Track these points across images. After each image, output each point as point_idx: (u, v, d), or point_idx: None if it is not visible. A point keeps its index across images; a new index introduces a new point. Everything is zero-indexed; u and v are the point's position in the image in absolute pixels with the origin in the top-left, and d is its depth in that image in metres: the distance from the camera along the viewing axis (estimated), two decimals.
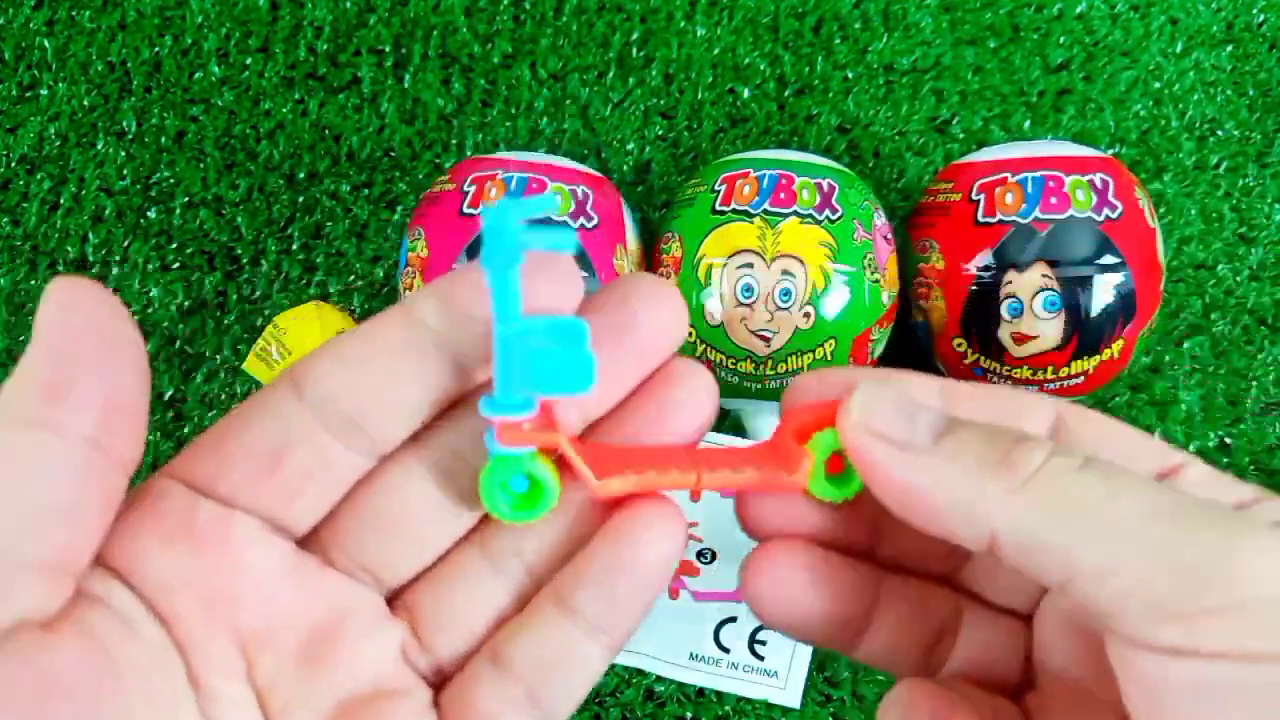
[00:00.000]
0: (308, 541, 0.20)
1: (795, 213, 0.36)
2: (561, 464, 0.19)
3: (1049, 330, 0.35)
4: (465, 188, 0.37)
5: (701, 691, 0.40)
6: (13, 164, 0.46)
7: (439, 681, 0.21)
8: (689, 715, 0.40)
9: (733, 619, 0.37)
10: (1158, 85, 0.46)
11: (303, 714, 0.19)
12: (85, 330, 0.17)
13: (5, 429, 0.16)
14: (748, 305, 0.35)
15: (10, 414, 0.16)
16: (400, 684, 0.20)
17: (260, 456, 0.19)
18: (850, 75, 0.47)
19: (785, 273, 0.35)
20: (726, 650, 0.37)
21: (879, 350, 0.38)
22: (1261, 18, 0.47)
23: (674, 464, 0.19)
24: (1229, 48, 0.47)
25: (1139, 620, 0.15)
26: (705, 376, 0.20)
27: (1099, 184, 0.36)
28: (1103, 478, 0.17)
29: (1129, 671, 0.16)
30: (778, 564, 0.20)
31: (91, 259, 0.45)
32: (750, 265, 0.35)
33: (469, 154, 0.46)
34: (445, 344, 0.19)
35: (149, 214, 0.45)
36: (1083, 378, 0.37)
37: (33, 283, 0.45)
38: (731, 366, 0.37)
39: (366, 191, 0.46)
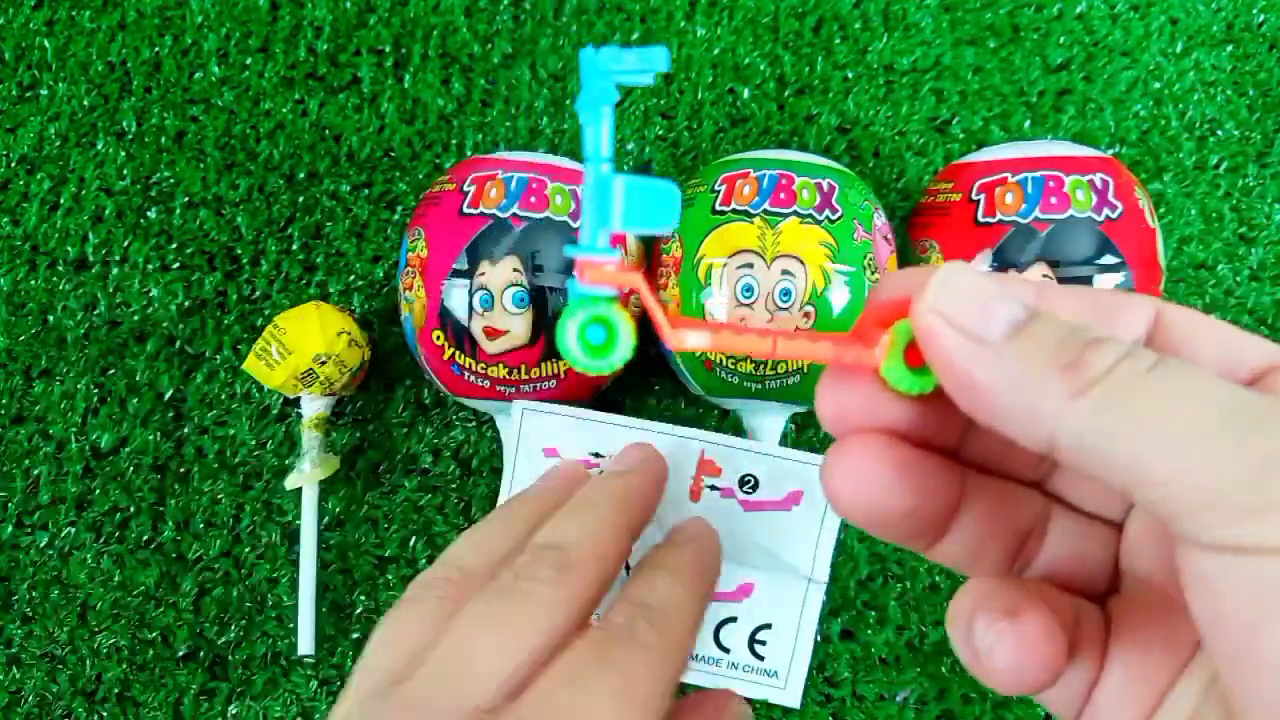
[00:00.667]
0: None
1: (795, 213, 0.36)
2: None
3: None
4: (465, 188, 0.37)
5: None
6: (13, 164, 0.46)
7: None
8: None
9: (733, 619, 0.37)
10: (1158, 85, 0.46)
11: None
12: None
13: None
14: (748, 305, 0.35)
15: None
16: None
17: None
18: (850, 75, 0.47)
19: (785, 273, 0.35)
20: (726, 650, 0.37)
21: None
22: (1261, 18, 0.47)
23: (750, 331, 0.19)
24: (1229, 48, 0.47)
25: (1199, 521, 0.15)
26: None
27: (1099, 184, 0.36)
28: (1171, 379, 0.16)
29: (1191, 573, 0.15)
30: (856, 459, 0.19)
31: (91, 259, 0.45)
32: (750, 265, 0.35)
33: (469, 154, 0.46)
34: None
35: (149, 214, 0.45)
36: None
37: (33, 283, 0.45)
38: (731, 366, 0.37)
39: (366, 191, 0.46)
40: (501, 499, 0.36)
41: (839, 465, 0.19)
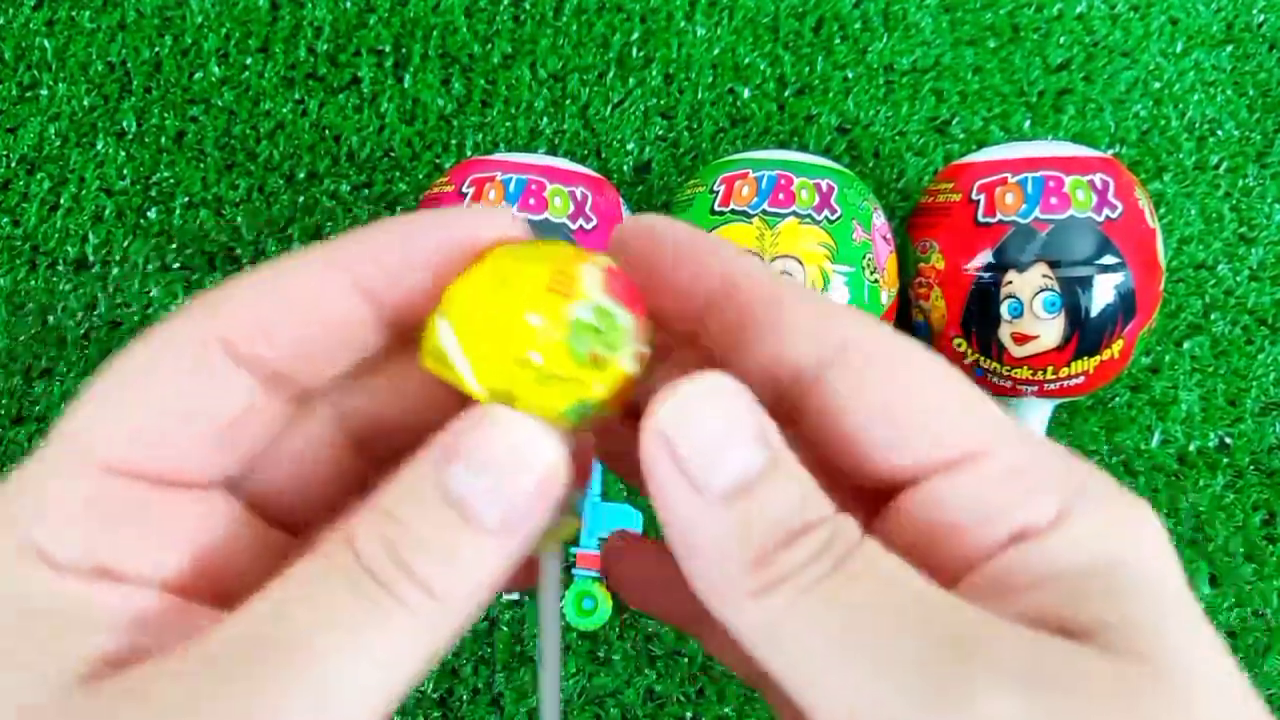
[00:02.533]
0: None
1: (794, 213, 0.36)
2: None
3: (1049, 330, 0.35)
4: (464, 189, 0.37)
5: (702, 691, 0.40)
6: (13, 164, 0.46)
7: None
8: (689, 715, 0.40)
9: None
10: (1158, 85, 0.46)
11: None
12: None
13: None
14: None
15: None
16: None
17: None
18: (850, 75, 0.46)
19: (784, 273, 0.34)
20: None
21: None
22: (1261, 18, 0.47)
23: None
24: (1229, 48, 0.47)
25: None
26: None
27: (1099, 184, 0.36)
28: (844, 589, 0.15)
29: None
30: (630, 558, 0.21)
31: (91, 259, 0.45)
32: None
33: (469, 154, 0.46)
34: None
35: (149, 214, 0.45)
36: (1083, 378, 0.37)
37: (33, 283, 0.45)
38: None
39: (366, 192, 0.45)
40: None
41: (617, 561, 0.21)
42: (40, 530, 0.15)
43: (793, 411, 0.17)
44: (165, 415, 0.16)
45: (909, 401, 0.16)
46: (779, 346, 0.17)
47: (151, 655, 0.14)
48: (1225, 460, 0.42)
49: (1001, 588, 0.15)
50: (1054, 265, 0.35)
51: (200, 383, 0.16)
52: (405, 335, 0.18)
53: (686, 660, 0.40)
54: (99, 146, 0.46)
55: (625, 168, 0.46)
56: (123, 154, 0.46)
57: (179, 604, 0.16)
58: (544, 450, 0.16)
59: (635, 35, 0.47)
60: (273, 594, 0.15)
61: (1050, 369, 0.36)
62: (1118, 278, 0.35)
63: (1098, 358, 0.36)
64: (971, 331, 0.37)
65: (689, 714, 0.40)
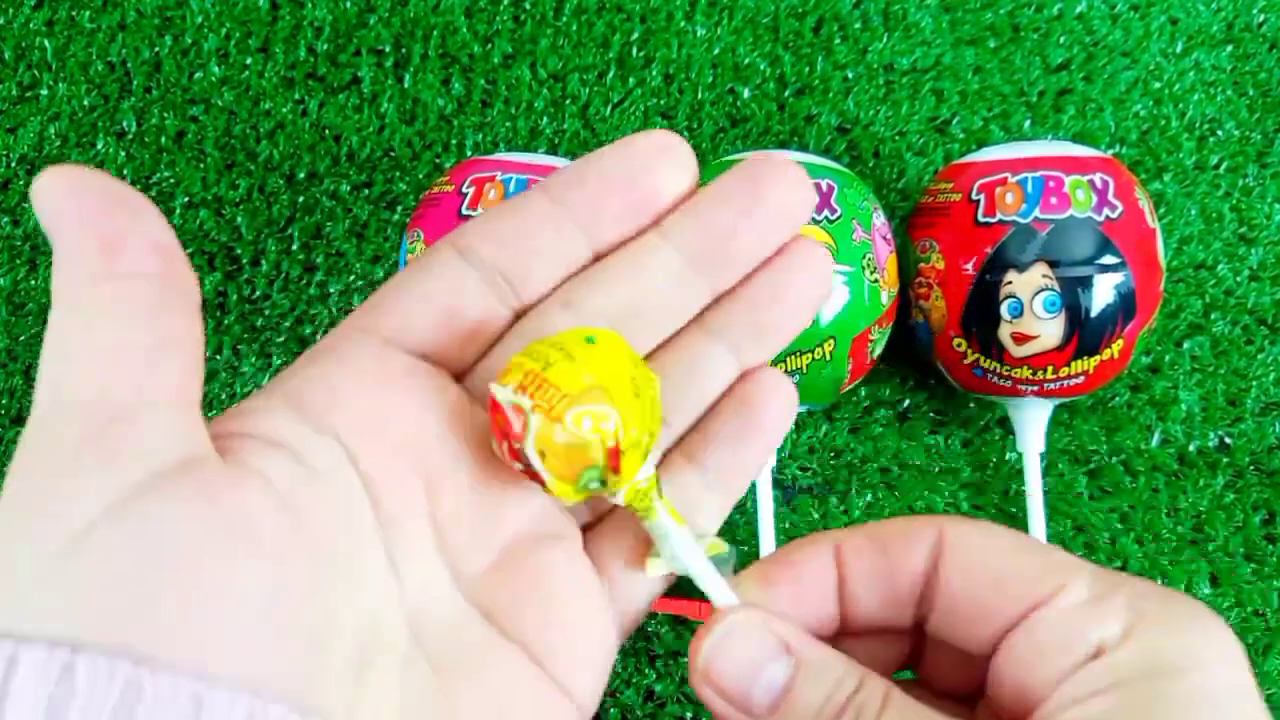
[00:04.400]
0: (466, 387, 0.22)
1: None
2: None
3: (1049, 330, 0.35)
4: (464, 189, 0.37)
5: None
6: (13, 164, 0.46)
7: (585, 528, 0.23)
8: (689, 715, 0.40)
9: None
10: (1158, 85, 0.46)
11: (477, 555, 0.21)
12: (108, 199, 0.17)
13: (80, 289, 0.17)
14: None
15: (79, 279, 0.17)
16: (557, 528, 0.22)
17: (438, 312, 0.21)
18: (850, 75, 0.46)
19: None
20: None
21: (878, 350, 0.38)
22: (1261, 18, 0.47)
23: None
24: (1229, 48, 0.47)
25: None
26: (821, 254, 0.23)
27: (1099, 184, 0.36)
28: None
29: None
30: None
31: None
32: None
33: (469, 154, 0.46)
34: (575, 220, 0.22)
35: None
36: (1083, 377, 0.37)
37: (33, 282, 0.45)
38: None
39: (366, 191, 0.45)
40: None
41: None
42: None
43: (922, 601, 0.21)
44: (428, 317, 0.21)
45: (997, 568, 0.20)
46: (901, 570, 0.21)
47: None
48: (1225, 460, 0.42)
49: (1078, 699, 0.18)
50: (1054, 265, 0.35)
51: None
52: None
53: (686, 660, 0.39)
54: (99, 146, 0.46)
55: None
56: (123, 154, 0.46)
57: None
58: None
59: (635, 35, 0.47)
60: None
61: (1050, 369, 0.36)
62: (1118, 278, 0.35)
63: (1098, 357, 0.36)
64: (971, 331, 0.37)
65: (689, 714, 0.40)
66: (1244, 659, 0.18)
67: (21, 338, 0.44)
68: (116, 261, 0.17)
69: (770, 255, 0.23)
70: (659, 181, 0.22)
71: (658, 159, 0.22)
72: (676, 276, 0.22)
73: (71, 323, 0.17)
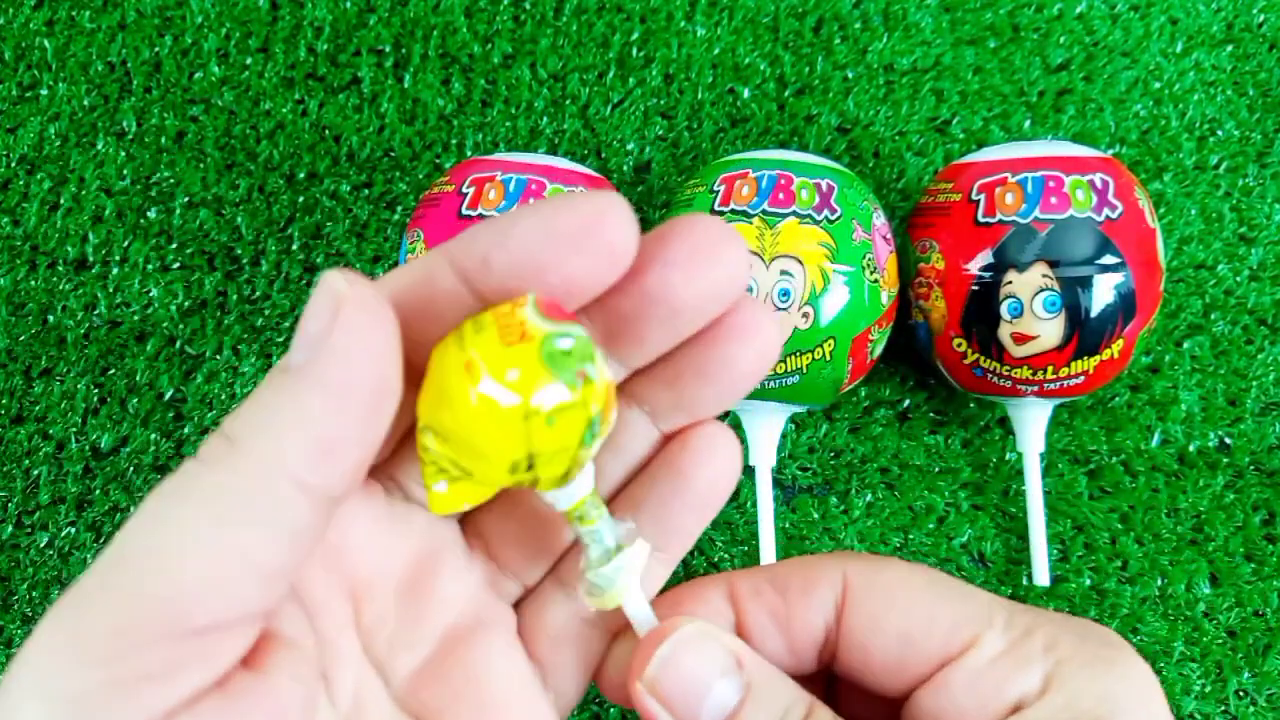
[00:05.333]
0: (380, 476, 0.20)
1: (794, 213, 0.35)
2: None
3: (1049, 330, 0.35)
4: (464, 189, 0.37)
5: None
6: (13, 164, 0.46)
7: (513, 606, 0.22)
8: None
9: None
10: (1158, 85, 0.46)
11: (406, 655, 0.19)
12: (364, 374, 0.15)
13: (253, 476, 0.15)
14: None
15: (280, 467, 0.15)
16: (491, 614, 0.21)
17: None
18: (850, 75, 0.46)
19: (784, 273, 0.35)
20: None
21: (878, 350, 0.38)
22: (1261, 18, 0.47)
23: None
24: (1229, 48, 0.47)
25: None
26: (767, 322, 0.19)
27: (1099, 184, 0.36)
28: None
29: None
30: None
31: (91, 259, 0.45)
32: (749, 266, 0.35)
33: (469, 154, 0.46)
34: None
35: (149, 214, 0.45)
36: (1083, 378, 0.36)
37: (33, 283, 0.45)
38: None
39: (366, 191, 0.45)
40: None
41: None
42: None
43: (826, 647, 0.20)
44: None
45: (907, 622, 0.19)
46: (801, 619, 0.20)
47: None
48: (1225, 460, 0.42)
49: None
50: (1054, 265, 0.35)
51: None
52: None
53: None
54: (99, 146, 0.46)
55: (625, 167, 0.46)
56: (123, 154, 0.46)
57: None
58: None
59: (635, 35, 0.47)
60: None
61: (1050, 369, 0.36)
62: (1118, 278, 0.35)
63: (1098, 358, 0.36)
64: (971, 331, 0.37)
65: None
66: (1162, 698, 0.18)
67: (21, 338, 0.44)
68: (317, 475, 0.15)
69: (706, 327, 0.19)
70: (575, 270, 0.17)
71: (578, 242, 0.17)
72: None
73: (212, 498, 0.15)
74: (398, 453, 0.20)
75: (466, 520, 0.21)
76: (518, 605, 0.22)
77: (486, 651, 0.20)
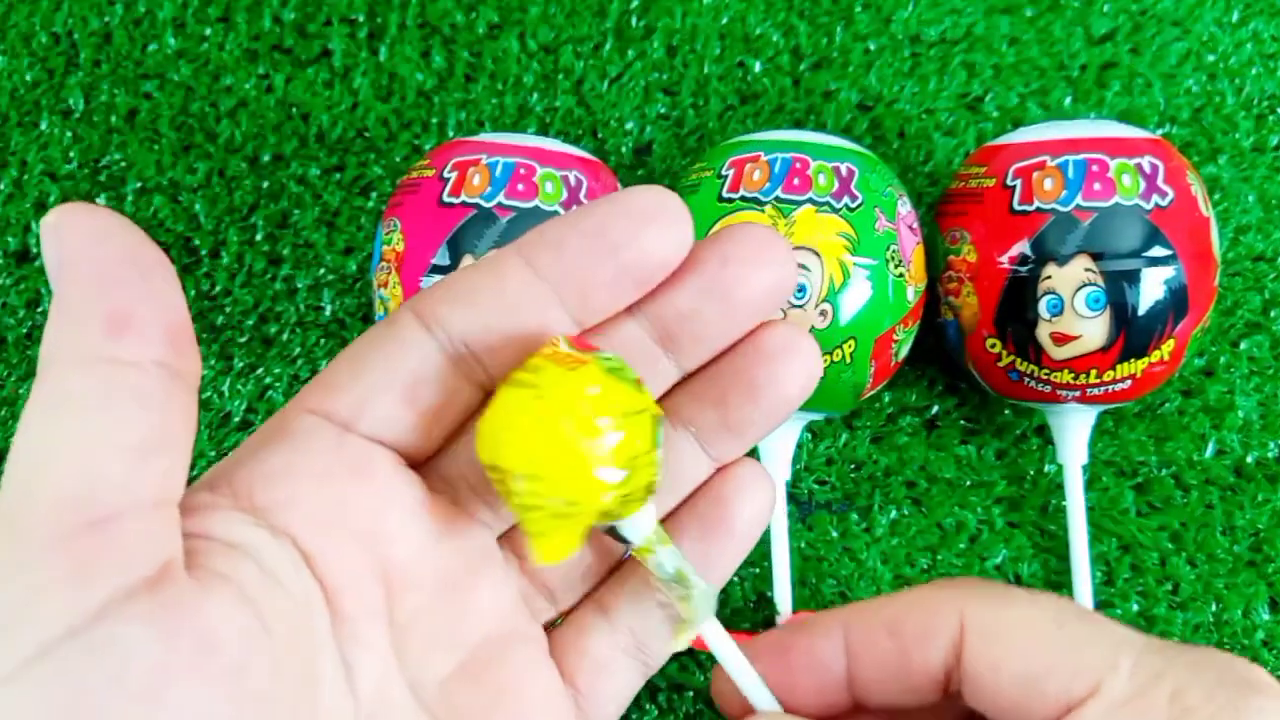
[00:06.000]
0: (430, 476, 0.22)
1: (810, 200, 0.35)
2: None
3: (1092, 330, 0.35)
4: (446, 174, 0.36)
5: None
6: None
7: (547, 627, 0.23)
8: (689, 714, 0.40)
9: None
10: (1212, 58, 0.46)
11: (440, 658, 0.21)
12: (123, 258, 0.17)
13: (77, 370, 0.16)
14: None
15: (77, 355, 0.16)
16: (523, 629, 0.22)
17: (397, 391, 0.20)
18: (873, 47, 0.46)
19: (800, 266, 0.34)
20: None
21: (904, 352, 0.37)
22: None
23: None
24: None
25: None
26: (808, 343, 0.22)
27: (1147, 168, 0.35)
28: None
29: None
30: None
31: (34, 251, 0.44)
32: None
33: (451, 134, 0.45)
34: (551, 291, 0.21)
35: (98, 201, 0.45)
36: (1129, 382, 0.36)
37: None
38: None
39: (338, 176, 0.45)
40: None
41: None
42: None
43: (948, 685, 0.22)
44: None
45: (1027, 667, 0.20)
46: (917, 667, 0.22)
47: None
48: None
49: None
50: (1097, 258, 0.34)
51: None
52: None
53: (691, 695, 0.39)
54: (42, 126, 0.46)
55: (624, 149, 0.45)
56: (69, 134, 0.46)
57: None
58: None
59: (635, 3, 0.46)
60: None
61: (1094, 372, 0.35)
62: (1168, 271, 0.34)
63: (1146, 360, 0.35)
64: (1006, 331, 0.36)
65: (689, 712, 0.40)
66: None
67: None
68: (122, 343, 0.16)
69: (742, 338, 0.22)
70: (648, 248, 0.20)
71: (647, 222, 0.20)
72: (644, 354, 0.22)
73: (58, 404, 0.16)
74: (447, 452, 0.22)
75: (503, 534, 0.23)
76: (549, 627, 0.23)
77: (524, 667, 0.22)
